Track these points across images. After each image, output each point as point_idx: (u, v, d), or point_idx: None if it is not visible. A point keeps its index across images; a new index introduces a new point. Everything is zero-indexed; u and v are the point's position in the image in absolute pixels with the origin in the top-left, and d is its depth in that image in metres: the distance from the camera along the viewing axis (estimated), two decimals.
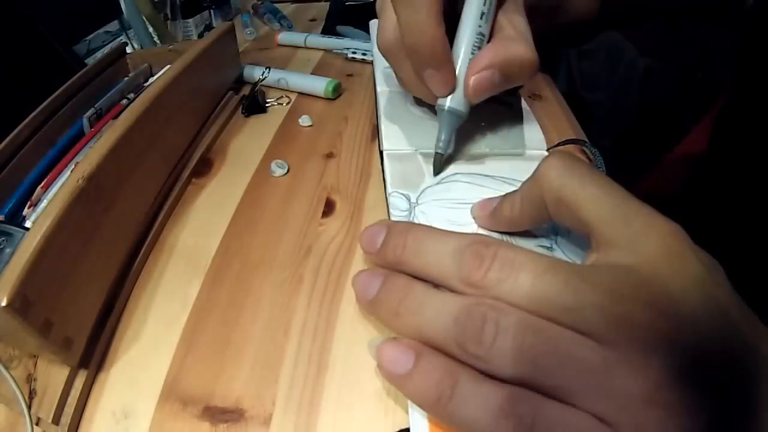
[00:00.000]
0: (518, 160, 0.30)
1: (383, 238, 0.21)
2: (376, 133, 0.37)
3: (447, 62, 0.26)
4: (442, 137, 0.27)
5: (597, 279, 0.16)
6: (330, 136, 0.37)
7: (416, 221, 0.26)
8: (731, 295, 0.16)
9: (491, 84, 0.26)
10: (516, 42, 0.26)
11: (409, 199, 0.27)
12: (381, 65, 0.39)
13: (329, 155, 0.35)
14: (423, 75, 0.27)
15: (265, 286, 0.26)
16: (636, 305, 0.15)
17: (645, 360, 0.14)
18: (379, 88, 0.37)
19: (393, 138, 0.31)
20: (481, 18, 0.26)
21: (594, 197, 0.19)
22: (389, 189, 0.28)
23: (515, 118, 0.33)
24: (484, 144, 0.31)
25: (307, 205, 0.30)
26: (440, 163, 0.29)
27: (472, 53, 0.27)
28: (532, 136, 0.32)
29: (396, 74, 0.31)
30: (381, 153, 0.31)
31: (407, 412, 0.20)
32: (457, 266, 0.18)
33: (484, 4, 0.26)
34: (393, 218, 0.26)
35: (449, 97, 0.27)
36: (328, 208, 0.30)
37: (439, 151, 0.28)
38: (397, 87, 0.36)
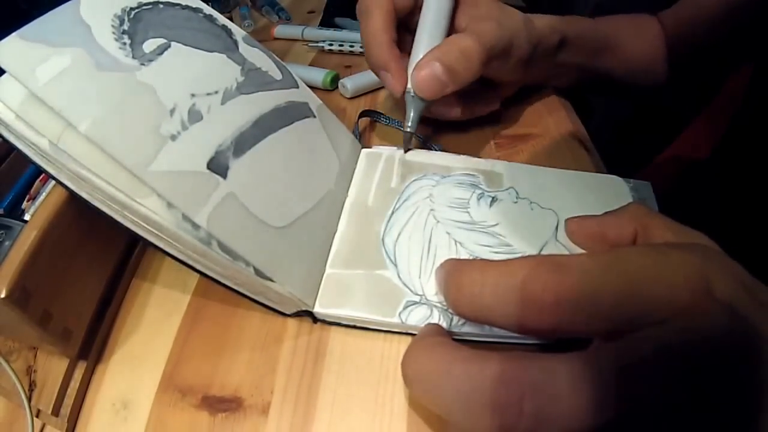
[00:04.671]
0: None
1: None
2: (373, 124, 0.37)
3: (395, 66, 0.29)
4: (410, 117, 0.30)
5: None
6: None
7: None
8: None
9: (433, 77, 0.27)
10: (464, 35, 0.28)
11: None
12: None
13: None
14: (379, 76, 0.31)
15: None
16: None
17: None
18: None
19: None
20: (439, 14, 0.30)
21: None
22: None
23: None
24: None
25: None
26: (409, 141, 0.30)
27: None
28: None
29: None
30: None
31: (405, 398, 0.20)
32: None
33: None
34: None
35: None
36: None
37: (408, 130, 0.30)
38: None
